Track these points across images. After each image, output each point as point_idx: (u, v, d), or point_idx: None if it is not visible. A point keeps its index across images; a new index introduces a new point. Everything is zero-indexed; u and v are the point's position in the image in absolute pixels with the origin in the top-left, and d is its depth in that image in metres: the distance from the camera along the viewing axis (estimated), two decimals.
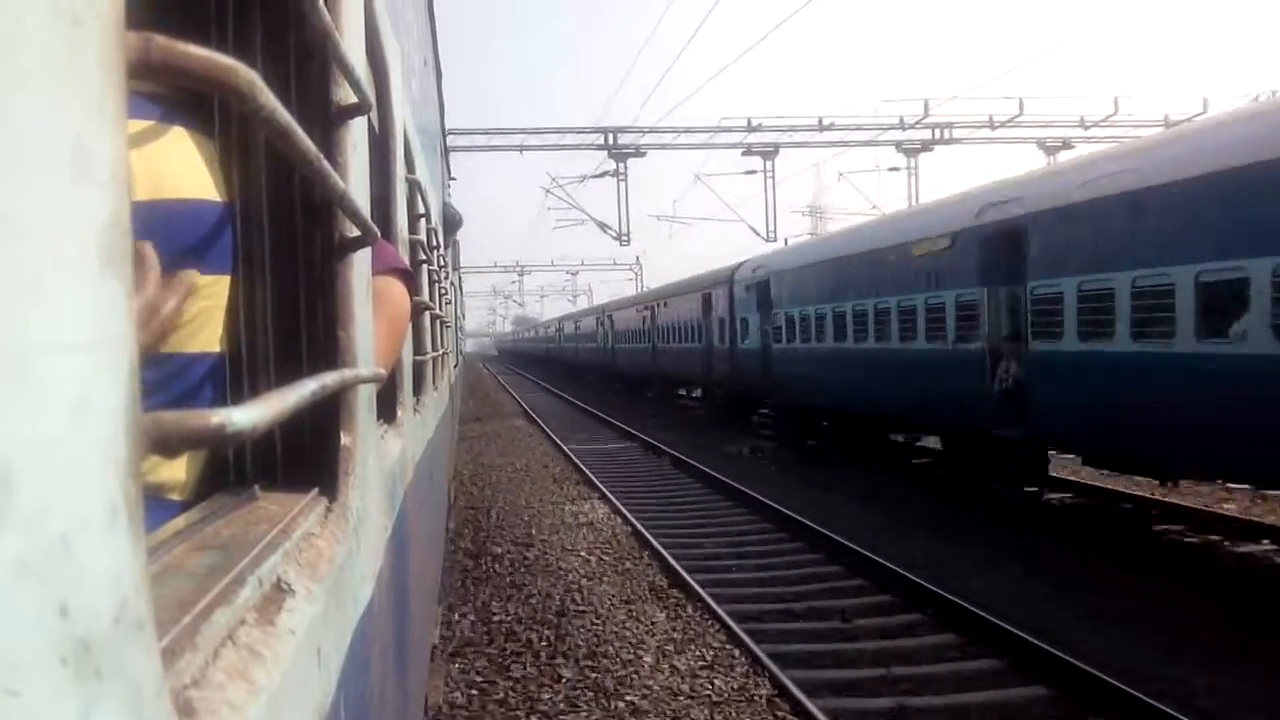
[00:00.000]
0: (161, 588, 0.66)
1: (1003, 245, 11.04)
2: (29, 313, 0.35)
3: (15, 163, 0.34)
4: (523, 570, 9.23)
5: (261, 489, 1.15)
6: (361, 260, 1.29)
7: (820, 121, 29.08)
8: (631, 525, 11.02)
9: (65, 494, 0.37)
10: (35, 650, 0.34)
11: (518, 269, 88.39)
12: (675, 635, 7.08)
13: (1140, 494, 11.94)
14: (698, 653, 6.66)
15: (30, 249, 0.35)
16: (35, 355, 0.35)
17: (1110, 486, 12.47)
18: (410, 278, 1.90)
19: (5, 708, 0.32)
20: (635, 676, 6.31)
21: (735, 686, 6.05)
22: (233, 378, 1.23)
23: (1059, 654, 6.18)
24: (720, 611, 7.44)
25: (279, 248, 1.23)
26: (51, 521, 0.36)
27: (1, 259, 0.33)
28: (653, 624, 7.39)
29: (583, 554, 9.81)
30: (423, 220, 3.53)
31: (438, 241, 5.44)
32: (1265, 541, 9.76)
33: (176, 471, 1.16)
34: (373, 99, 1.46)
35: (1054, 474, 12.72)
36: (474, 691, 6.15)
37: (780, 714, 5.63)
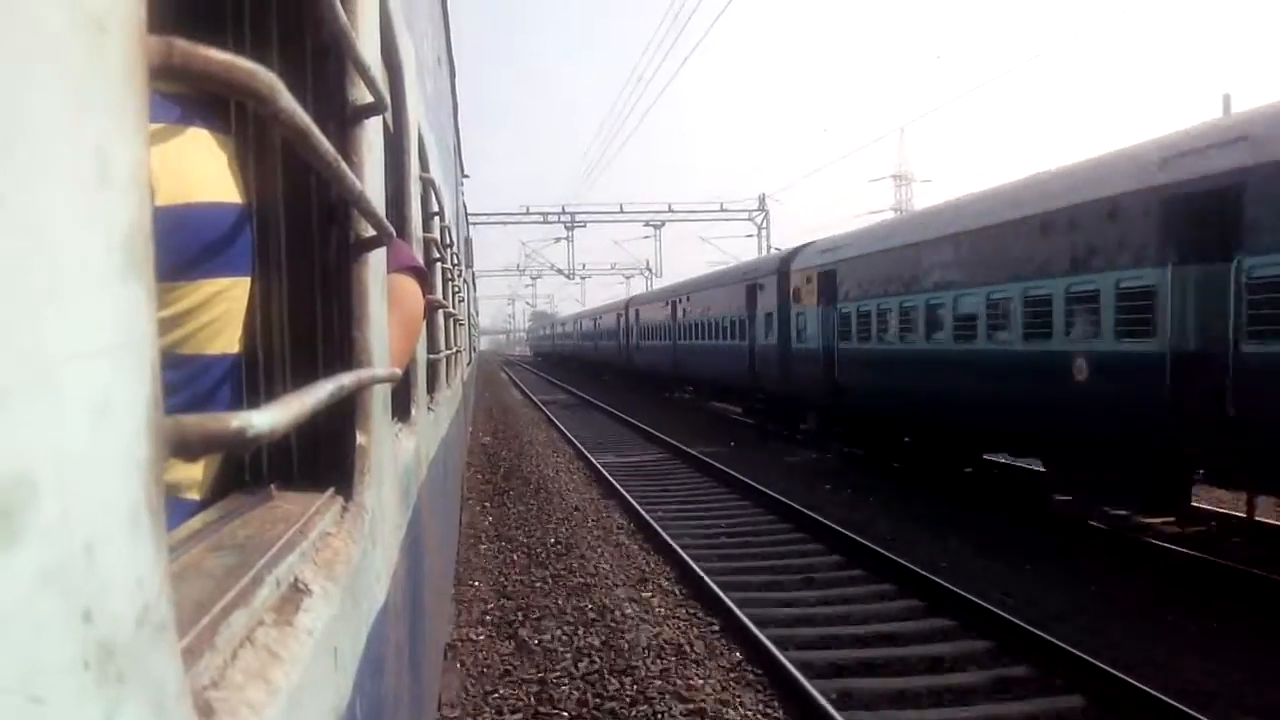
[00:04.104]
0: (180, 588, 0.66)
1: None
2: (51, 319, 0.35)
3: (40, 168, 0.34)
4: None
5: (277, 488, 1.15)
6: (377, 260, 1.29)
7: None
8: None
9: (88, 500, 0.37)
10: (59, 656, 0.34)
11: (565, 218, 46.81)
12: None
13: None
14: None
15: (54, 254, 0.35)
16: (58, 361, 0.35)
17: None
18: (424, 276, 1.90)
19: (30, 713, 0.32)
20: None
21: None
22: (249, 378, 1.24)
23: None
24: None
25: (295, 248, 1.24)
26: (75, 528, 0.36)
27: (25, 265, 0.33)
28: None
29: None
30: (436, 218, 3.53)
31: (451, 239, 5.45)
32: None
33: (193, 471, 1.17)
34: (388, 98, 1.46)
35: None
36: None
37: None
